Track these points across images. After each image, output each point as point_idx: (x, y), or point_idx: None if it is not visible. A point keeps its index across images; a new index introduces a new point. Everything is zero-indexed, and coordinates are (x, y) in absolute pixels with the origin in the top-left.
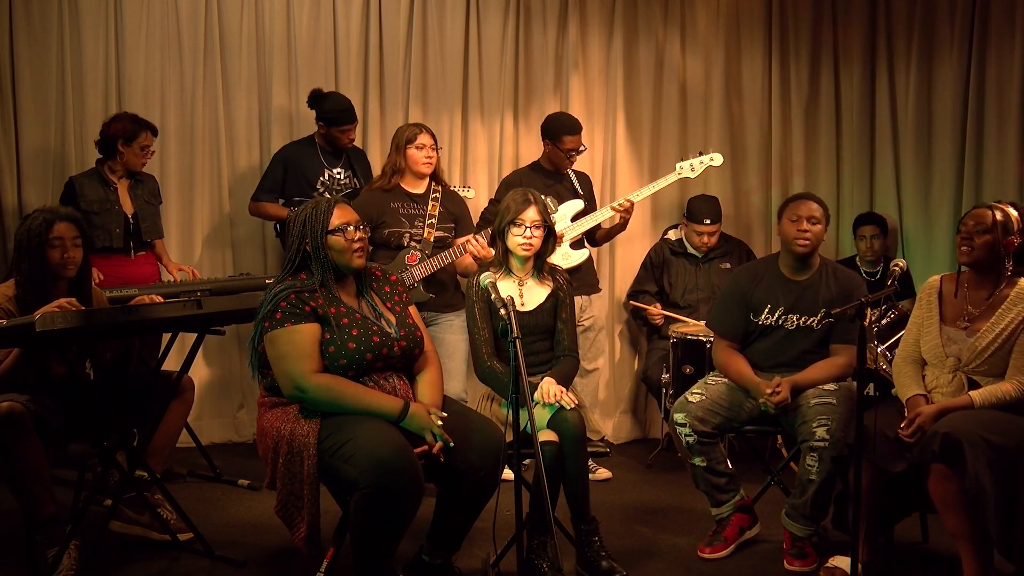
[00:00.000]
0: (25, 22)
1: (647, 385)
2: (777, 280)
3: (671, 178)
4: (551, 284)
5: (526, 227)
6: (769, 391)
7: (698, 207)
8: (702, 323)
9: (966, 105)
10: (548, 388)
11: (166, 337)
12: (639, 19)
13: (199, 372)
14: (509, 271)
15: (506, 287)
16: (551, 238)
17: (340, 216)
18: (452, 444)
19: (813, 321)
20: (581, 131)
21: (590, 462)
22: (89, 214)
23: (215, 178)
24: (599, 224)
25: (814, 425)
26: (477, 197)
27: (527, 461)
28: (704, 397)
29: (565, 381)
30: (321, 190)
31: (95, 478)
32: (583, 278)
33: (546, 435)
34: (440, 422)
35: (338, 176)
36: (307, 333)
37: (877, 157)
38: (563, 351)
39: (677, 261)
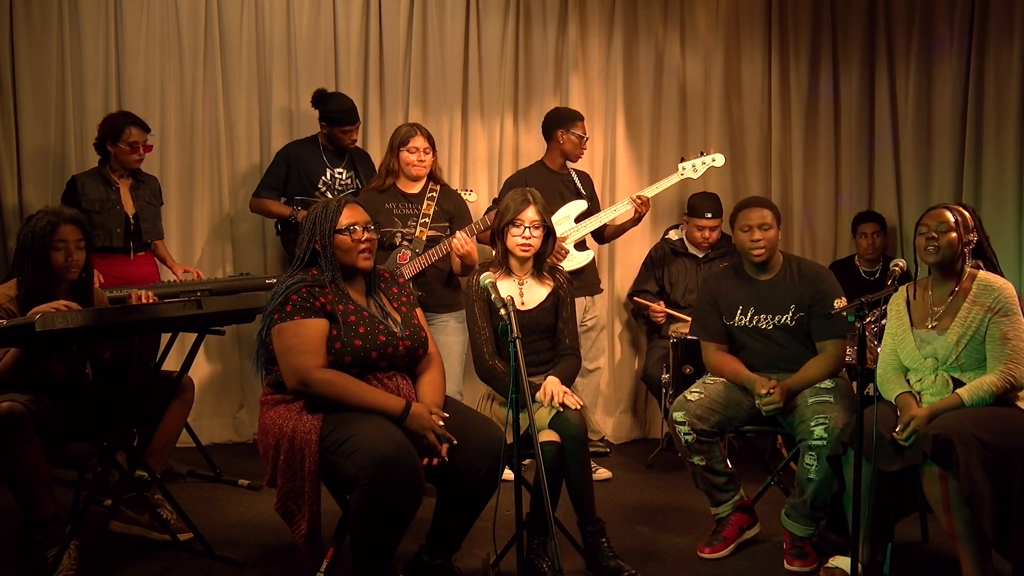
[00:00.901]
0: (25, 22)
1: (647, 385)
2: (743, 282)
3: (673, 179)
4: (551, 283)
5: (525, 227)
6: (764, 391)
7: (699, 202)
8: None
9: (965, 105)
10: (550, 388)
11: (166, 337)
12: (639, 19)
13: (199, 372)
14: (509, 271)
15: (506, 287)
16: (550, 238)
17: (349, 216)
18: (455, 442)
19: (786, 318)
20: (584, 119)
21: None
22: (90, 213)
23: (215, 178)
24: (604, 224)
25: (812, 424)
26: (478, 199)
27: (527, 461)
28: (703, 396)
29: (567, 381)
30: (323, 189)
31: (95, 478)
32: (586, 279)
33: (547, 435)
34: (442, 422)
35: (340, 176)
36: (315, 328)
37: (876, 157)
38: (565, 350)
39: (678, 261)
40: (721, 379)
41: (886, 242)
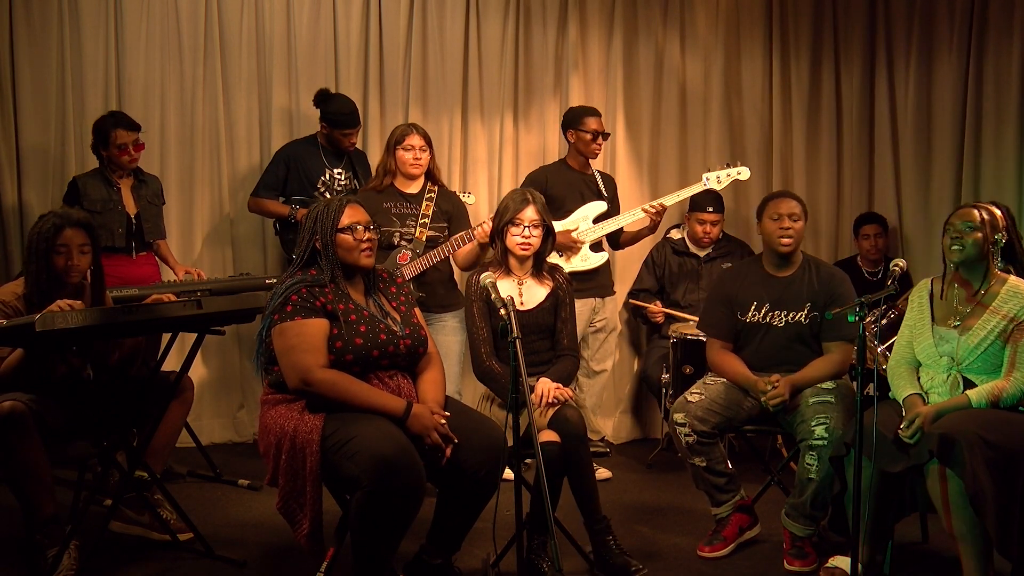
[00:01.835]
0: (25, 22)
1: (647, 385)
2: (761, 277)
3: (696, 188)
4: (550, 283)
5: (524, 226)
6: (768, 388)
7: (701, 197)
8: None
9: (965, 105)
10: (540, 389)
11: (166, 337)
12: (639, 19)
13: (199, 372)
14: (508, 270)
15: (505, 287)
16: (550, 237)
17: (350, 216)
18: (456, 441)
19: (800, 316)
20: (600, 116)
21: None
22: (92, 213)
23: (215, 178)
24: (621, 227)
25: (813, 424)
26: (477, 199)
27: (528, 461)
28: (703, 397)
29: (564, 380)
30: (321, 189)
31: (95, 478)
32: (599, 280)
33: (547, 435)
34: (443, 421)
35: (339, 176)
36: (316, 327)
37: (877, 157)
38: (563, 351)
39: (679, 261)
40: (721, 379)
41: (888, 243)
